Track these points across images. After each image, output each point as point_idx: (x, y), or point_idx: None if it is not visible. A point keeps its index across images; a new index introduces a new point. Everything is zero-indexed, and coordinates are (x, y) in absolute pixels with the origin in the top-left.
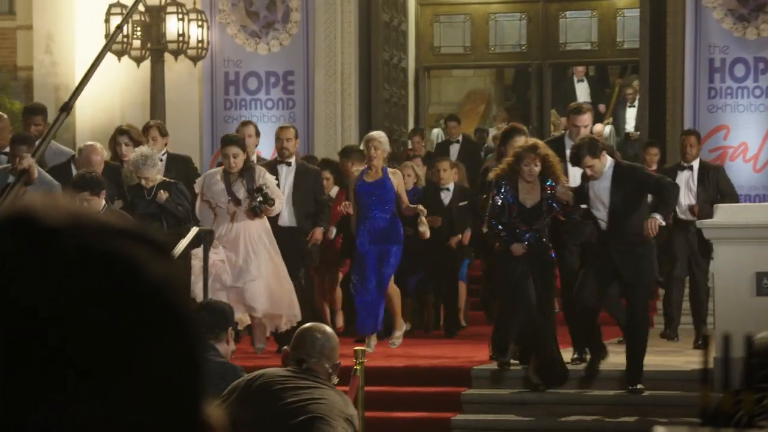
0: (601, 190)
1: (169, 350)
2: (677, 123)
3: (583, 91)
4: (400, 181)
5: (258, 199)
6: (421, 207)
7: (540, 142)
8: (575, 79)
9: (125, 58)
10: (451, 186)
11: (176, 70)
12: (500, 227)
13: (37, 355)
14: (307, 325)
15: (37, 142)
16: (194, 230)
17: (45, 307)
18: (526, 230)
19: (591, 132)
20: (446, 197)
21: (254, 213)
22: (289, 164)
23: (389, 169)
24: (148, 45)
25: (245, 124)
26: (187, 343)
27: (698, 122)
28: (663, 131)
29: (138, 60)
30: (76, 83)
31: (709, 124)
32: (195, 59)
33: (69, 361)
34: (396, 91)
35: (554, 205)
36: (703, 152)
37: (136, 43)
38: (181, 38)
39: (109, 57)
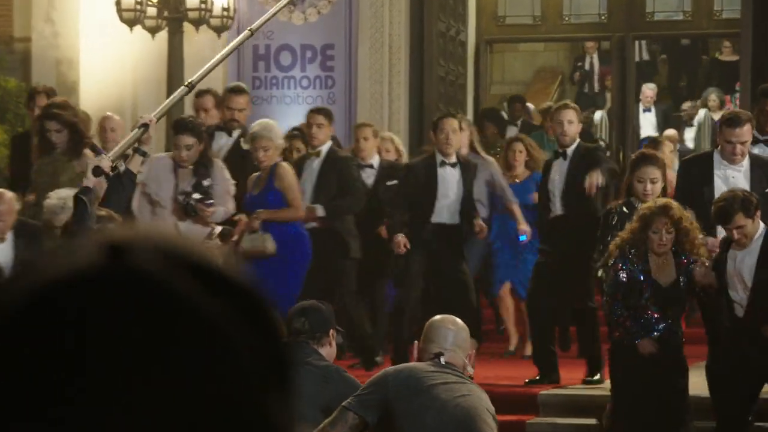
0: (744, 264)
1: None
2: None
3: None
4: (291, 180)
5: (194, 196)
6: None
7: (673, 203)
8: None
9: (138, 28)
10: (375, 161)
11: (197, 42)
12: (626, 313)
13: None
14: (438, 318)
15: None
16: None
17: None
18: (659, 317)
19: (744, 146)
20: (369, 177)
21: (185, 212)
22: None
23: (279, 166)
24: (165, 13)
25: (315, 112)
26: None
27: None
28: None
29: (153, 30)
30: (81, 57)
31: None
32: (219, 30)
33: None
34: (453, 68)
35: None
36: None
37: (151, 10)
38: (203, 5)
39: (120, 27)
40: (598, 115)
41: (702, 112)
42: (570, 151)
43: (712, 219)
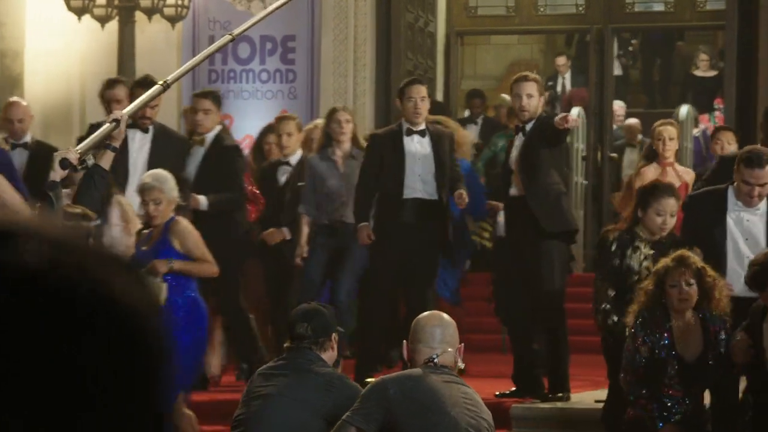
0: None
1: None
2: None
3: None
4: (194, 237)
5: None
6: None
7: (689, 253)
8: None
9: (87, 18)
10: (296, 158)
11: (150, 32)
12: (647, 393)
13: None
14: (424, 316)
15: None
16: None
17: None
18: (681, 396)
19: (763, 188)
20: (285, 175)
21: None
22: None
23: (177, 223)
24: (116, 2)
25: (201, 96)
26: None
27: None
28: (754, 112)
29: (103, 20)
30: (26, 48)
31: None
32: (173, 20)
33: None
34: (422, 62)
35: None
36: None
37: None
38: None
39: (68, 16)
40: (575, 111)
41: (684, 108)
42: (529, 126)
43: (746, 283)
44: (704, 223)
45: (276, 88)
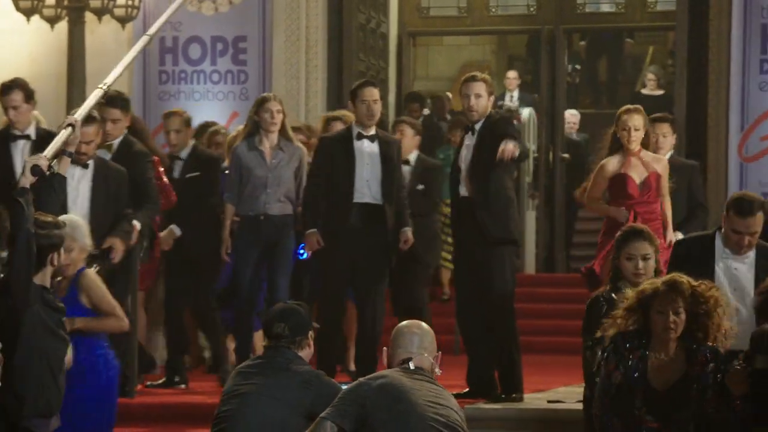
0: None
1: None
2: (721, 103)
3: None
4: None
5: None
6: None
7: (684, 277)
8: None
9: (36, 18)
10: (186, 152)
11: (100, 33)
12: (618, 422)
13: None
14: (404, 324)
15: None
16: None
17: None
18: (658, 429)
19: (753, 237)
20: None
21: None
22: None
23: (84, 276)
24: (65, 2)
25: (109, 105)
26: None
27: (747, 102)
28: (704, 113)
29: (52, 21)
30: None
31: (761, 105)
32: (123, 20)
33: None
34: (374, 63)
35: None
36: (753, 140)
37: None
38: None
39: (16, 17)
40: (526, 112)
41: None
42: (478, 126)
43: (755, 311)
44: (692, 270)
45: (227, 89)
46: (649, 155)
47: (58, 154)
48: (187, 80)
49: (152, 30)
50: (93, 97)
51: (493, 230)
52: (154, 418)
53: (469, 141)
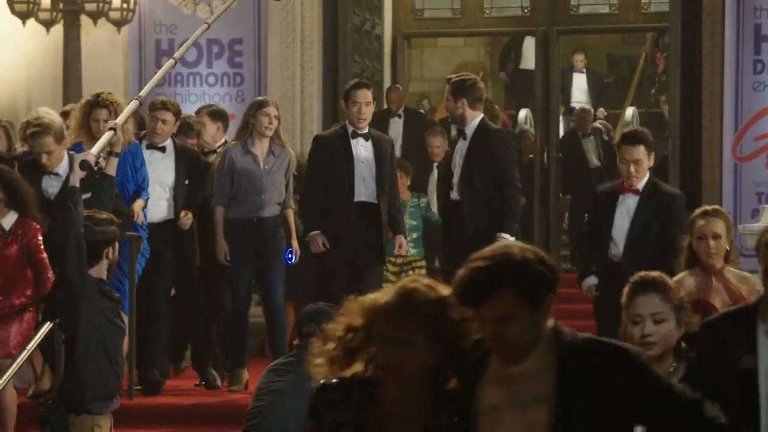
0: None
1: None
2: (715, 103)
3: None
4: None
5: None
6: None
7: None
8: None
9: (31, 22)
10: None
11: (95, 36)
12: None
13: None
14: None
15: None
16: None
17: None
18: None
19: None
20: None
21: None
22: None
23: None
24: (61, 5)
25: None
26: None
27: (741, 103)
28: (698, 113)
29: (48, 24)
30: None
31: (755, 106)
32: (119, 24)
33: None
34: (369, 65)
35: None
36: (747, 140)
37: (45, 3)
38: None
39: (12, 20)
40: (523, 113)
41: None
42: (470, 131)
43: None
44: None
45: (224, 91)
46: (734, 273)
47: (103, 152)
48: (183, 83)
49: (178, 54)
50: (129, 109)
51: (476, 234)
52: (154, 418)
53: (461, 145)
